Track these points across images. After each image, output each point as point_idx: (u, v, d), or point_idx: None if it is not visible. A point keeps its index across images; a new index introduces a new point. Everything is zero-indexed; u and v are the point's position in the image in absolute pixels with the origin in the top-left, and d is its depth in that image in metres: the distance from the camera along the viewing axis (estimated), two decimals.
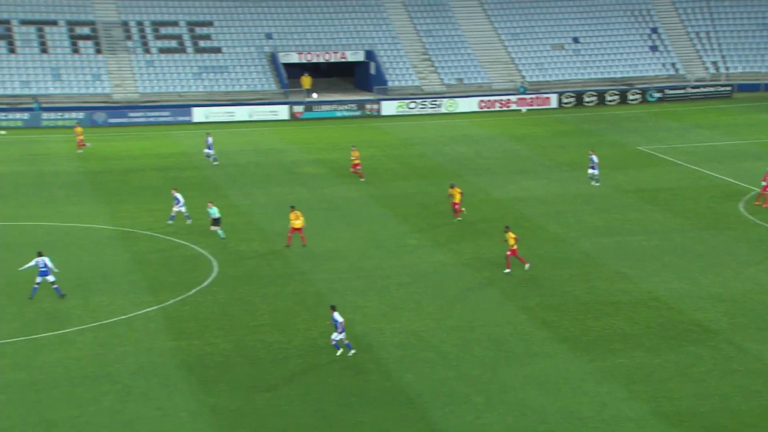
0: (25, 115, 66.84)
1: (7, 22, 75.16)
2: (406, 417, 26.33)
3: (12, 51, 73.58)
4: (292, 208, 40.71)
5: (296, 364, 29.38)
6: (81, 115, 67.92)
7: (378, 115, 73.64)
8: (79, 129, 59.85)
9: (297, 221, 39.77)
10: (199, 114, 70.64)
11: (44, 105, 68.81)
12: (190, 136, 64.02)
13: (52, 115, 67.37)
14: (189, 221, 42.91)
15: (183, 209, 42.97)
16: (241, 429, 25.62)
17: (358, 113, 73.67)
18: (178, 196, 43.13)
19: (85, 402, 26.69)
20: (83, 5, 78.27)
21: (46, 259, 33.76)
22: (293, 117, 72.54)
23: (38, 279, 33.68)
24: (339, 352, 29.76)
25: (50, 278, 33.59)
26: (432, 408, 26.76)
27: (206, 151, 55.69)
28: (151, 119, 69.76)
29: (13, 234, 42.08)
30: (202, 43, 78.06)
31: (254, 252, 39.97)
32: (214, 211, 40.92)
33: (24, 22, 75.55)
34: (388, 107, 74.29)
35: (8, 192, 49.31)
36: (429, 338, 31.41)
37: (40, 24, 75.80)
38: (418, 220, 44.81)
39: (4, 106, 68.52)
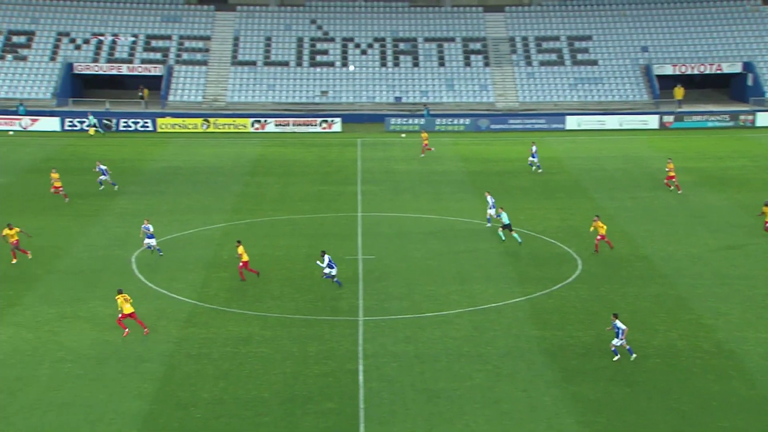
0: (421, 121, 70.74)
1: (413, 39, 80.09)
2: None
3: (416, 65, 78.22)
4: (597, 217, 39.15)
5: (655, 363, 28.02)
6: (467, 121, 70.46)
7: (752, 126, 68.13)
8: (424, 134, 61.89)
9: (601, 229, 38.47)
10: (572, 122, 70.09)
11: (433, 112, 72.29)
12: (562, 143, 63.77)
13: (443, 120, 70.62)
14: (489, 225, 42.41)
15: (492, 211, 42.49)
16: (599, 418, 24.95)
17: (730, 124, 68.72)
18: (490, 199, 42.89)
19: (461, 377, 27.47)
20: (477, 24, 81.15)
21: (329, 257, 34.85)
22: (663, 126, 69.41)
23: (331, 272, 34.63)
24: (616, 358, 27.99)
25: (333, 271, 34.69)
26: None
27: (531, 159, 54.94)
28: (528, 126, 70.49)
29: (407, 223, 44.64)
30: (579, 56, 77.46)
31: (617, 253, 38.77)
32: (504, 217, 40.13)
33: (427, 40, 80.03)
34: (764, 118, 68.42)
35: (405, 187, 52.42)
36: None
37: (440, 41, 79.85)
38: None
39: (406, 113, 73.07)
